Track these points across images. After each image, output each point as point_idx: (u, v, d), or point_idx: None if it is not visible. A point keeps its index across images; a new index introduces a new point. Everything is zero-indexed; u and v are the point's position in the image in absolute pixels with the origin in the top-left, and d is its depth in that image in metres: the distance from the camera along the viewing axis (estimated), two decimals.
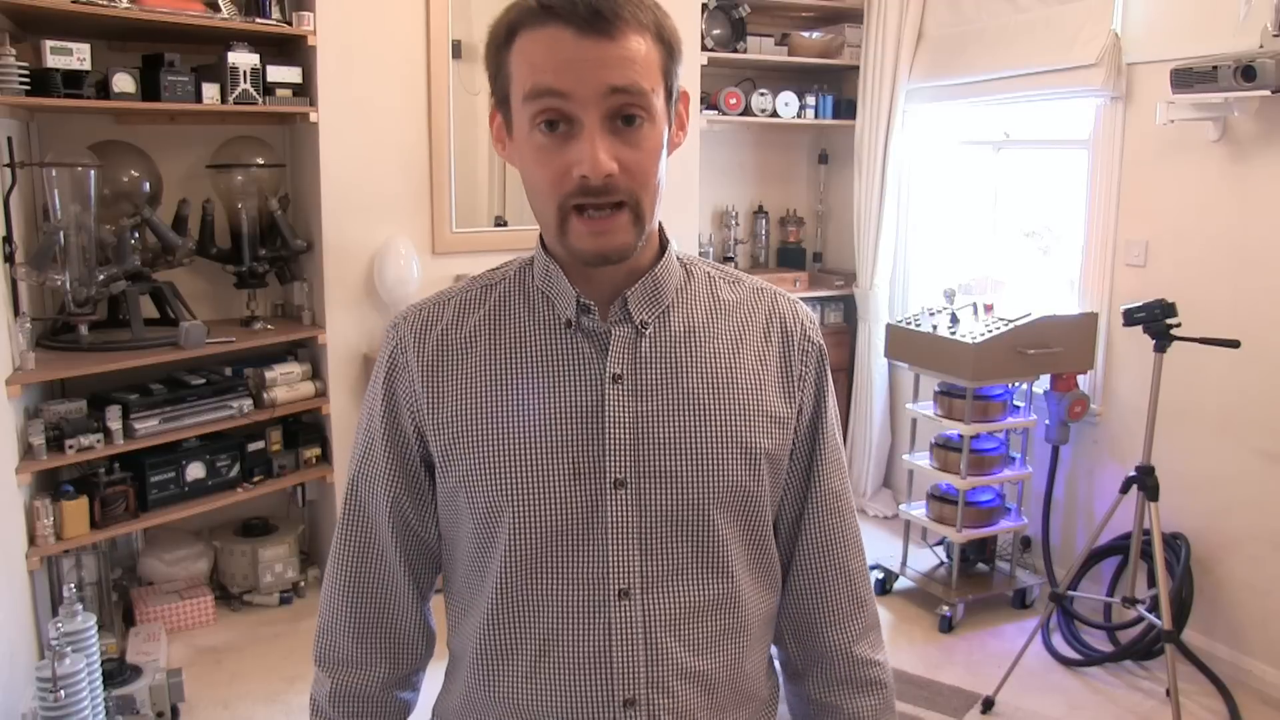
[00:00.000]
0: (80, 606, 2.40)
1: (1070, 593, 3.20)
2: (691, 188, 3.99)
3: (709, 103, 4.15)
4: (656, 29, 0.91)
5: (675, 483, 0.96)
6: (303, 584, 3.53)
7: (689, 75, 3.92)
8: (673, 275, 1.02)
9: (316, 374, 3.48)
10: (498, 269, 1.07)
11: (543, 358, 0.98)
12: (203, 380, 3.18)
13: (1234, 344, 2.69)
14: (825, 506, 1.07)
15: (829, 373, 1.08)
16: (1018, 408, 3.58)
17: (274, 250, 3.40)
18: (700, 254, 4.33)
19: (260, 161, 3.40)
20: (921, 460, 3.63)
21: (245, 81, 3.06)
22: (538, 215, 0.95)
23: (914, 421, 3.79)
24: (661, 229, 1.03)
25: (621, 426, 0.96)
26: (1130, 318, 2.80)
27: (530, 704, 0.98)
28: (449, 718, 1.08)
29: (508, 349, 0.99)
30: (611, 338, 0.98)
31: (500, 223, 3.81)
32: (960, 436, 3.43)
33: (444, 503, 1.02)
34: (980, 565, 3.65)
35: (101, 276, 2.98)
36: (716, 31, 4.11)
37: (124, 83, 2.87)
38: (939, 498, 3.52)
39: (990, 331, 3.26)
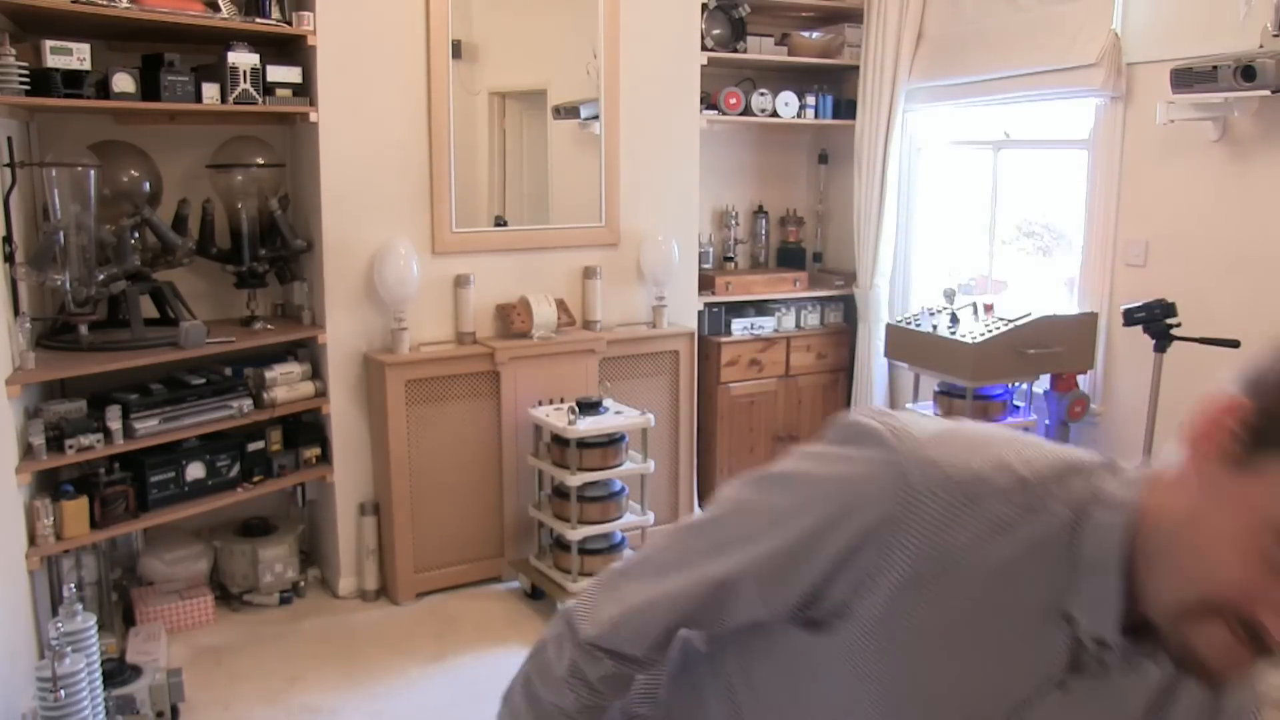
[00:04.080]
0: (80, 606, 2.40)
1: None
2: (691, 188, 3.99)
3: (709, 103, 4.15)
4: None
5: None
6: (302, 584, 3.53)
7: (688, 74, 3.94)
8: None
9: (316, 374, 3.48)
10: (1046, 488, 0.79)
11: (1008, 652, 0.80)
12: (203, 380, 3.18)
13: (1234, 344, 2.70)
14: None
15: None
16: (1018, 408, 3.58)
17: (274, 250, 3.40)
18: (700, 254, 4.33)
19: (260, 161, 3.40)
20: None
21: (245, 81, 3.06)
22: (1175, 569, 0.73)
23: None
24: None
25: None
26: (1130, 318, 2.80)
27: None
28: None
29: (984, 616, 0.79)
30: (1111, 674, 0.80)
31: (500, 223, 3.81)
32: None
33: (743, 679, 0.93)
34: None
35: (101, 276, 2.98)
36: (716, 31, 4.11)
37: (124, 83, 2.87)
38: None
39: (990, 331, 3.26)
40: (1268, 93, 2.69)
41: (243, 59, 3.05)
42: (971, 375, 3.27)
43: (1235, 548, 0.69)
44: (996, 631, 0.79)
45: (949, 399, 3.46)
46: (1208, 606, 0.71)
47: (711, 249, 4.53)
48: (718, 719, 0.97)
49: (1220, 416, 0.72)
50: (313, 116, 3.22)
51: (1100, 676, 0.79)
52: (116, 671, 2.64)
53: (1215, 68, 2.76)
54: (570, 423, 3.27)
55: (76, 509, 2.83)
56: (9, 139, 2.81)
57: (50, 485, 2.92)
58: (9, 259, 2.72)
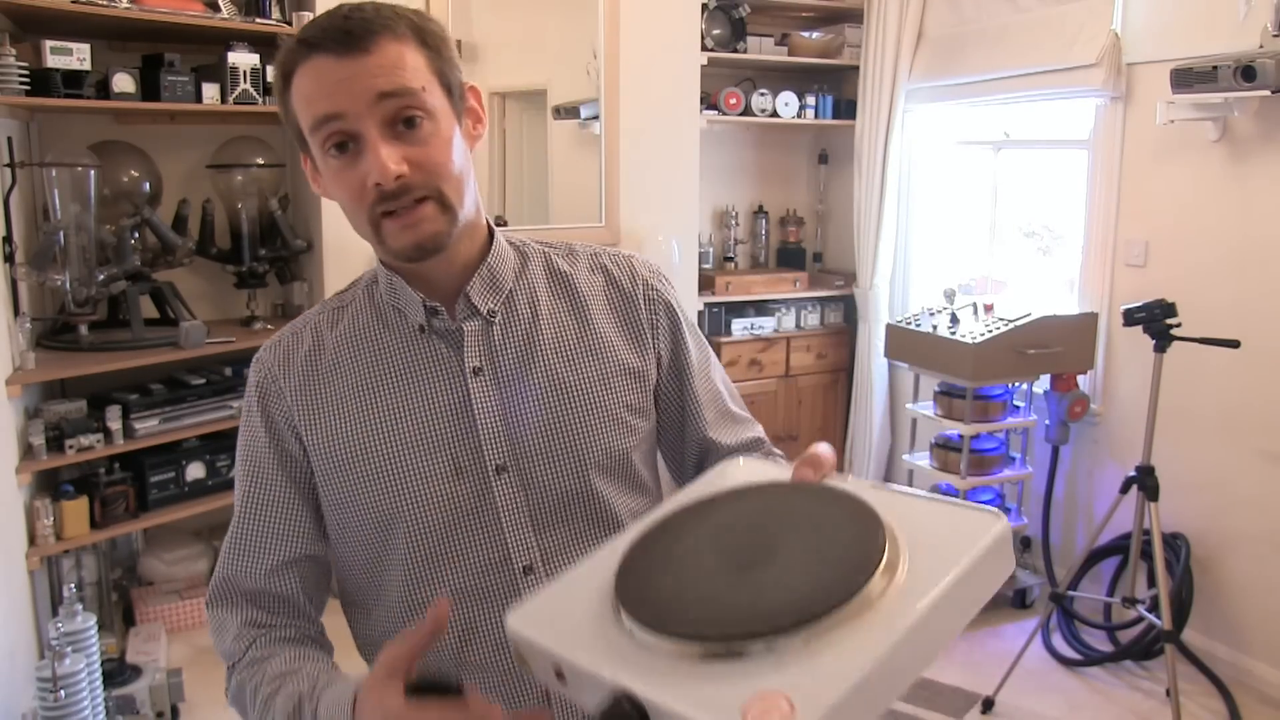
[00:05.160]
0: (80, 606, 2.40)
1: (1070, 593, 3.20)
2: (691, 188, 3.99)
3: (709, 103, 4.15)
4: (416, 33, 0.96)
5: (552, 458, 1.02)
6: None
7: (688, 74, 3.93)
8: (507, 261, 1.08)
9: None
10: (345, 291, 1.11)
11: (404, 366, 1.02)
12: (203, 380, 3.18)
13: (1234, 344, 2.70)
14: (704, 421, 1.15)
15: (682, 313, 1.15)
16: (1018, 408, 3.58)
17: (274, 250, 3.40)
18: (700, 254, 4.34)
19: (260, 161, 3.40)
20: (921, 460, 3.63)
21: (245, 81, 3.06)
22: (360, 234, 1.00)
23: (914, 421, 3.79)
24: (488, 221, 1.09)
25: (490, 415, 1.01)
26: (1130, 318, 2.80)
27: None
28: None
29: (369, 364, 1.03)
30: (464, 333, 1.03)
31: (500, 223, 3.80)
32: (960, 436, 3.43)
33: (329, 514, 1.05)
34: None
35: (101, 276, 2.98)
36: (716, 31, 4.11)
37: (124, 83, 2.87)
38: None
39: (990, 331, 3.26)
40: (1268, 93, 2.69)
41: (243, 59, 3.05)
42: (971, 375, 3.27)
43: (336, 186, 0.96)
44: (380, 377, 1.02)
45: (949, 399, 3.46)
46: (373, 223, 0.96)
47: (711, 249, 4.53)
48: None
49: (308, 169, 1.02)
50: None
51: (468, 336, 1.02)
52: (116, 671, 2.64)
53: (1215, 68, 2.76)
54: None
55: (76, 509, 2.83)
56: (9, 139, 2.81)
57: (50, 485, 2.92)
58: (9, 259, 2.72)
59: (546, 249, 1.12)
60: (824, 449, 0.86)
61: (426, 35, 0.97)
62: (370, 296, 1.07)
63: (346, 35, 0.91)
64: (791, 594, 0.70)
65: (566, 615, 0.78)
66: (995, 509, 0.74)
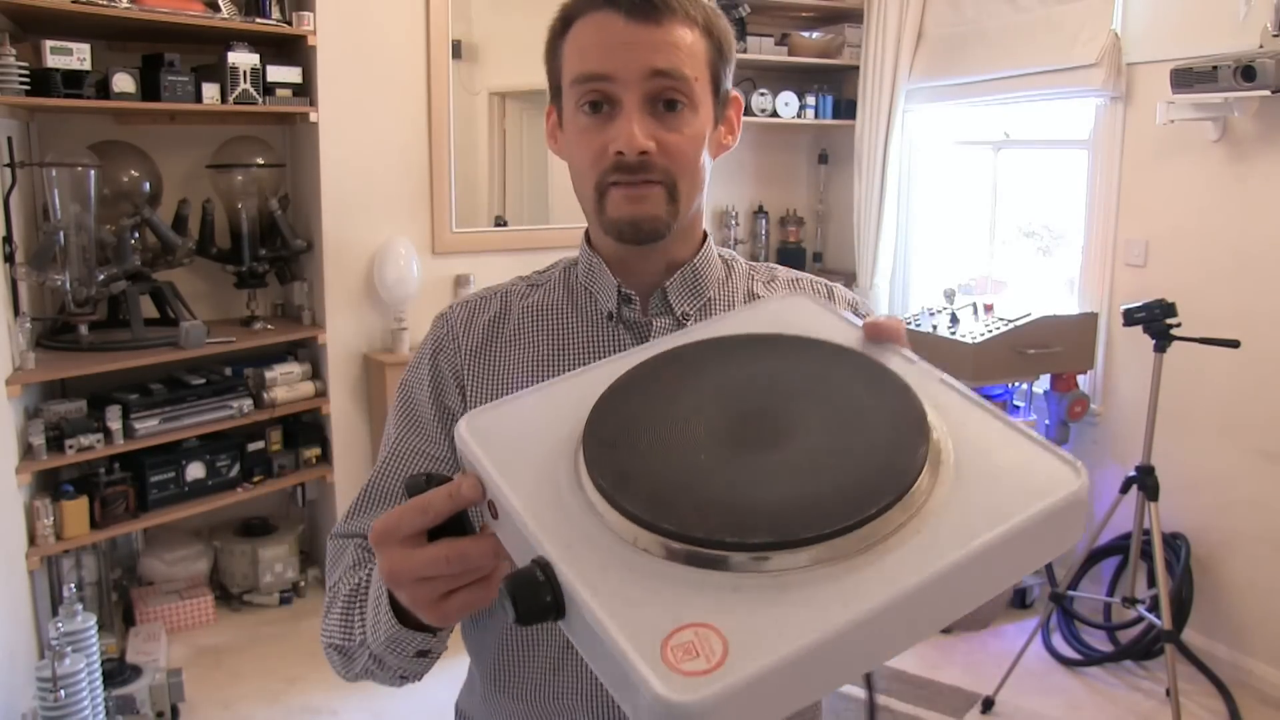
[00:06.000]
0: (80, 606, 2.41)
1: (1070, 593, 3.20)
2: None
3: None
4: (706, 24, 0.96)
5: None
6: (303, 584, 3.53)
7: None
8: (713, 268, 1.05)
9: (316, 374, 3.48)
10: (544, 270, 1.09)
11: (583, 348, 1.01)
12: (203, 380, 3.18)
13: (1234, 344, 2.70)
14: None
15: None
16: (1018, 408, 3.58)
17: (274, 250, 3.40)
18: None
19: (260, 161, 3.40)
20: None
21: (245, 81, 3.06)
22: (581, 200, 0.98)
23: None
24: (705, 231, 1.08)
25: None
26: (1130, 318, 2.80)
27: (545, 715, 0.99)
28: (471, 715, 1.12)
29: (549, 340, 1.01)
30: (652, 329, 1.00)
31: (500, 223, 3.81)
32: None
33: None
34: None
35: (101, 276, 2.98)
36: None
37: (124, 83, 2.87)
38: None
39: (990, 331, 3.26)
40: (1268, 93, 2.69)
41: (243, 59, 3.05)
42: (971, 375, 3.27)
43: (576, 144, 0.95)
44: (556, 355, 1.01)
45: None
46: (600, 189, 0.94)
47: None
48: None
49: (549, 122, 1.05)
50: (313, 116, 3.22)
51: (656, 333, 1.01)
52: (116, 671, 2.64)
53: (1215, 68, 2.76)
54: None
55: (76, 509, 2.84)
56: (9, 139, 2.81)
57: (50, 485, 2.92)
58: (9, 259, 2.72)
59: (751, 270, 1.12)
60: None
61: (715, 31, 0.97)
62: (565, 277, 1.06)
63: (645, 2, 0.91)
64: (786, 499, 0.56)
65: (524, 438, 0.64)
66: (1079, 462, 0.59)
